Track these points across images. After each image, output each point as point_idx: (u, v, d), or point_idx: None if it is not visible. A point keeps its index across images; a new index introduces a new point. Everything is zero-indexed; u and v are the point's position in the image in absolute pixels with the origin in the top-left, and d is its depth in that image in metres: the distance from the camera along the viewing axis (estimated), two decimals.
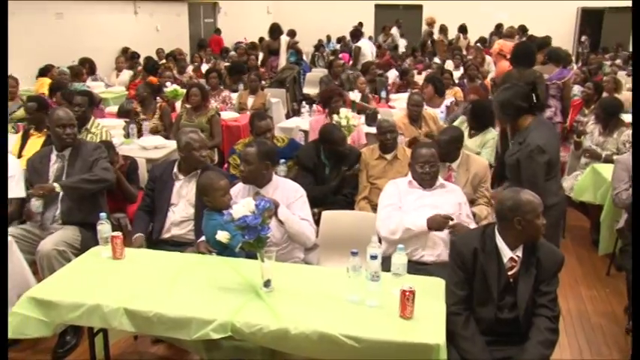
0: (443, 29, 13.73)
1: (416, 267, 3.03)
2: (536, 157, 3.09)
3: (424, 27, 15.92)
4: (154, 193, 3.58)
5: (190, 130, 3.64)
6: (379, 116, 5.94)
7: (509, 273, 2.49)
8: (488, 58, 10.73)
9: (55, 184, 3.48)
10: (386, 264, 2.65)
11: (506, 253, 2.50)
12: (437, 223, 3.13)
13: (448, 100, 6.49)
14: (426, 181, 3.32)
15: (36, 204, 3.46)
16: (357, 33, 11.20)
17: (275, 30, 9.99)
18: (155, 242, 3.45)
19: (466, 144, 4.42)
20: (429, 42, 13.66)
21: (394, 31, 14.10)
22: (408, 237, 3.16)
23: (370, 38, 14.02)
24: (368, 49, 10.66)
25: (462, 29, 13.73)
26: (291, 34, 10.23)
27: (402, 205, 3.31)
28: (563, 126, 5.72)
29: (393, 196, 3.35)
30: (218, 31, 15.01)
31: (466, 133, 4.90)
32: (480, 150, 4.72)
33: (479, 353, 2.40)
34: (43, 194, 3.45)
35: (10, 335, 2.50)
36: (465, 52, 12.25)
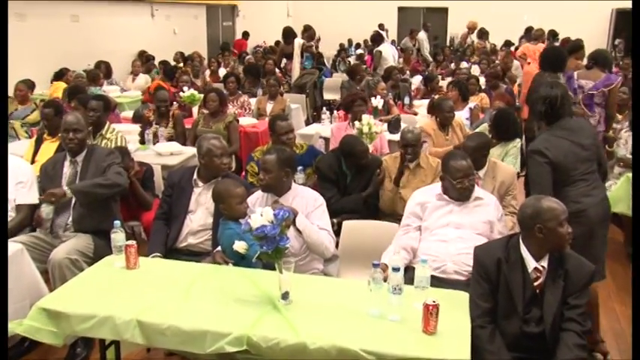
0: (484, 33, 13.47)
1: (440, 280, 3.01)
2: (535, 158, 3.19)
3: (453, 30, 15.91)
4: (171, 199, 3.61)
5: (212, 137, 3.66)
6: (402, 124, 5.93)
7: (535, 284, 2.48)
8: (516, 62, 10.66)
9: (66, 188, 3.52)
10: (408, 277, 2.63)
11: (531, 264, 2.49)
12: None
13: (472, 103, 6.47)
14: (465, 195, 3.22)
15: (46, 210, 3.51)
16: (377, 37, 11.20)
17: (288, 34, 10.05)
18: (170, 251, 3.48)
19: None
20: (465, 46, 13.53)
21: (422, 35, 14.01)
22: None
23: (393, 42, 14.04)
24: (389, 54, 10.66)
25: (483, 34, 13.66)
26: (309, 36, 10.25)
27: (427, 220, 3.24)
28: (604, 134, 5.61)
29: (411, 215, 3.31)
30: (246, 35, 15.11)
31: None
32: (502, 159, 4.68)
33: None
34: (54, 201, 3.48)
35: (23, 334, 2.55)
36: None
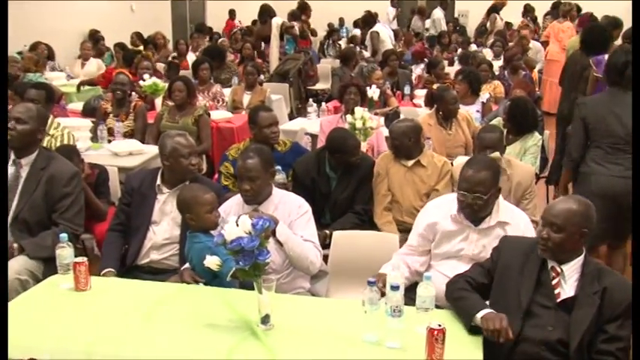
0: (528, 10, 13.29)
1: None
2: (576, 111, 4.11)
3: (460, 7, 16.00)
4: (130, 208, 3.60)
5: (177, 134, 3.67)
6: (402, 116, 5.97)
7: (553, 283, 2.58)
8: (537, 44, 10.73)
9: (15, 247, 3.44)
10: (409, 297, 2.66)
11: (551, 262, 2.63)
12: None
13: (484, 96, 6.52)
14: (468, 213, 3.10)
15: None
16: (369, 19, 11.25)
17: (264, 12, 10.02)
18: (129, 269, 3.48)
19: None
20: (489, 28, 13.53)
21: (439, 13, 13.89)
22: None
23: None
24: (386, 35, 10.72)
25: (495, 9, 13.68)
26: (307, 15, 10.24)
27: (437, 249, 3.18)
28: None
29: (419, 237, 3.23)
30: (232, 14, 15.04)
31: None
32: (520, 159, 4.74)
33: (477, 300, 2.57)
34: None
35: None
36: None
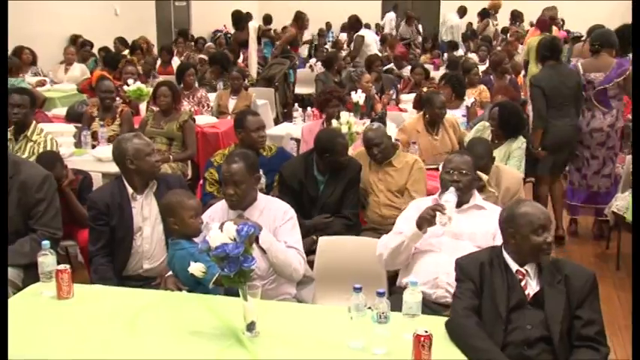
0: (516, 16, 13.30)
1: (432, 307, 3.05)
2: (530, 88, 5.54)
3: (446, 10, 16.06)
4: (109, 226, 3.50)
5: (132, 135, 3.66)
6: (388, 122, 5.98)
7: (522, 284, 2.61)
8: (522, 47, 10.81)
9: None
10: (396, 303, 2.66)
11: (513, 267, 2.65)
12: (425, 218, 3.16)
13: (468, 100, 6.56)
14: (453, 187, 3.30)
15: None
16: (355, 22, 11.28)
17: (239, 19, 10.07)
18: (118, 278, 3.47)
19: None
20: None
21: (455, 18, 13.83)
22: (400, 252, 3.24)
23: (377, 26, 14.13)
24: (372, 40, 10.76)
25: (487, 13, 13.76)
26: (266, 20, 10.29)
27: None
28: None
29: (405, 219, 3.37)
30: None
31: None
32: (505, 162, 4.77)
33: (499, 355, 2.44)
34: None
35: None
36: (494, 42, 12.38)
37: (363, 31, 10.94)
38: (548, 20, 9.20)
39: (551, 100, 5.36)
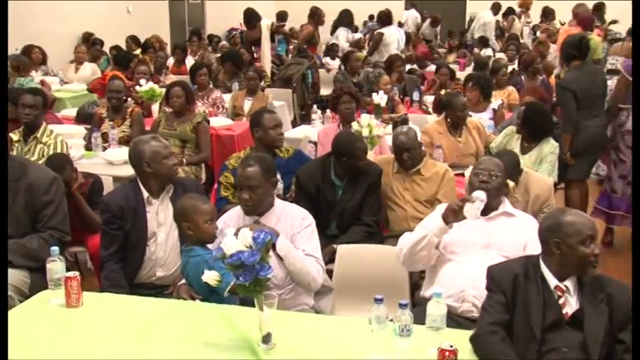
0: (547, 14, 13.00)
1: (457, 320, 3.03)
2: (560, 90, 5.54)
3: (472, 9, 15.99)
4: (122, 231, 3.52)
5: (150, 137, 3.67)
6: (410, 124, 5.96)
7: (560, 302, 2.54)
8: (554, 47, 10.72)
9: None
10: (419, 315, 2.65)
11: (552, 281, 2.57)
12: (452, 209, 3.15)
13: (495, 102, 6.51)
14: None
15: None
16: (385, 17, 11.22)
17: (250, 17, 10.09)
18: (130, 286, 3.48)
19: None
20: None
21: (487, 15, 13.73)
22: (422, 247, 3.21)
23: (399, 24, 14.07)
24: (395, 38, 10.71)
25: (512, 11, 13.64)
26: (280, 17, 10.30)
27: (451, 236, 3.27)
28: None
29: (433, 218, 3.34)
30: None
31: (517, 147, 4.91)
32: (537, 168, 4.73)
33: None
34: None
35: None
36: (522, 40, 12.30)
37: (385, 29, 10.89)
38: (591, 17, 9.01)
39: (583, 102, 5.36)
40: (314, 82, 9.47)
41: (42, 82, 8.15)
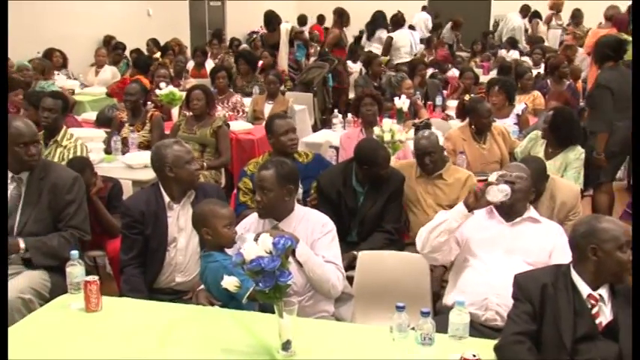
0: (576, 16, 12.60)
1: (480, 330, 3.01)
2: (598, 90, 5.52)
3: (497, 11, 15.90)
4: (143, 235, 3.55)
5: (172, 142, 3.69)
6: (433, 129, 5.95)
7: (593, 312, 2.50)
8: (581, 50, 10.63)
9: (21, 241, 3.48)
10: (442, 323, 2.64)
11: (584, 290, 2.53)
12: (473, 194, 3.14)
13: (519, 107, 6.47)
14: (503, 208, 3.26)
15: None
16: (396, 20, 11.20)
17: (271, 19, 10.13)
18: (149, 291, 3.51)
19: None
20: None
21: (516, 18, 13.48)
22: (440, 231, 3.20)
23: (411, 27, 14.00)
24: (407, 41, 10.67)
25: (536, 14, 13.50)
26: (300, 21, 10.31)
27: (467, 234, 3.28)
28: None
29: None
30: (321, 19, 15.00)
31: (542, 152, 4.88)
32: (562, 174, 4.69)
33: None
34: None
35: None
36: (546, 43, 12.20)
37: (397, 32, 10.87)
38: (627, 18, 8.88)
39: (618, 102, 5.40)
40: (335, 86, 9.48)
41: (71, 92, 8.28)
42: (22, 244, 3.48)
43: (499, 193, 3.07)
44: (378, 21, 11.41)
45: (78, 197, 3.68)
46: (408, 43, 10.67)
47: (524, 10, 13.90)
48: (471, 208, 3.16)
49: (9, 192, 3.63)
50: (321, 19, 15.00)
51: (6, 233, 3.41)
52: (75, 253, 3.07)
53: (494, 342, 2.63)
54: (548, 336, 2.51)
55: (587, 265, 2.54)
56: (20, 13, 9.63)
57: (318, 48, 12.17)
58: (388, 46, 10.60)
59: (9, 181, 3.65)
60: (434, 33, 14.02)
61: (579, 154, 4.83)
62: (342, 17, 10.26)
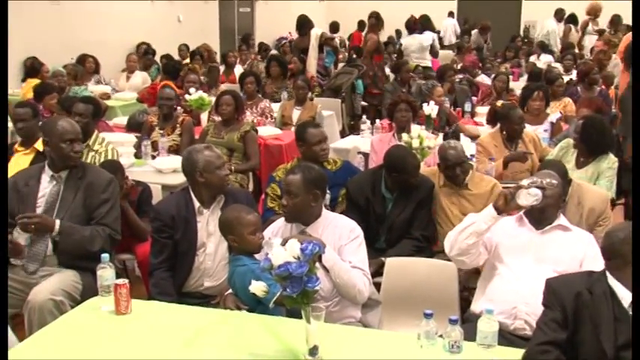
0: (615, 23, 12.19)
1: (510, 338, 2.99)
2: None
3: (527, 17, 15.78)
4: (173, 239, 3.58)
5: (203, 147, 3.72)
6: (462, 137, 5.92)
7: None
8: (614, 56, 10.49)
9: (57, 222, 3.55)
10: (470, 331, 2.62)
11: (626, 297, 2.47)
12: (503, 196, 3.09)
13: (554, 115, 6.40)
14: (533, 215, 3.23)
15: (24, 235, 3.51)
16: (409, 25, 11.16)
17: (303, 24, 10.17)
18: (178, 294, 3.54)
19: (573, 177, 4.32)
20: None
21: (552, 24, 13.37)
22: (469, 233, 3.16)
23: (438, 32, 13.96)
24: (416, 47, 10.66)
25: (572, 19, 13.32)
26: (332, 27, 10.33)
27: (495, 238, 3.26)
28: None
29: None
30: (361, 26, 15.04)
31: (573, 161, 4.82)
32: (594, 182, 4.63)
33: None
34: (34, 229, 3.51)
35: None
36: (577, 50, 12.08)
37: (407, 37, 10.85)
38: None
39: None
40: (374, 92, 9.46)
41: (107, 96, 8.41)
42: (57, 226, 3.55)
43: (530, 196, 3.01)
44: (427, 26, 11.45)
45: (112, 197, 3.77)
46: (417, 48, 10.67)
47: (559, 14, 13.65)
48: (500, 211, 3.13)
49: (49, 189, 3.74)
50: (361, 25, 15.03)
51: (6, 233, 3.46)
52: (106, 256, 3.11)
53: (523, 351, 2.61)
54: (587, 344, 2.46)
55: (629, 270, 2.47)
56: (55, 21, 9.83)
57: (346, 54, 12.21)
58: (400, 53, 10.57)
59: (49, 179, 3.76)
60: (463, 38, 13.97)
61: (612, 163, 4.75)
62: (378, 21, 10.27)
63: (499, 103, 6.83)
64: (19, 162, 4.76)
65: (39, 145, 4.46)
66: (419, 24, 11.05)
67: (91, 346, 2.73)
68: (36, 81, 8.19)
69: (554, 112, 6.55)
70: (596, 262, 2.97)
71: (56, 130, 3.71)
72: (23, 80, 8.80)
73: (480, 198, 4.20)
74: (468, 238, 3.20)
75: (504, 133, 5.34)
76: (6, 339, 2.62)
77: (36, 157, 4.66)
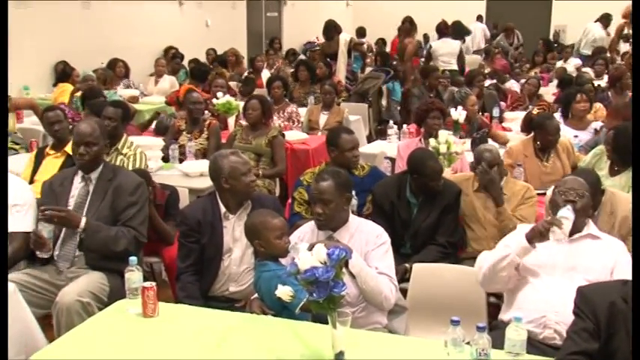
0: None
1: (539, 347, 2.96)
2: None
3: (557, 21, 15.64)
4: (199, 244, 3.61)
5: (229, 152, 3.73)
6: (490, 141, 5.88)
7: None
8: None
9: (83, 219, 3.59)
10: (498, 339, 2.60)
11: None
12: (538, 230, 3.05)
13: (596, 123, 6.29)
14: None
15: (47, 228, 3.50)
16: (440, 29, 11.11)
17: (330, 29, 10.19)
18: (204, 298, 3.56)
19: (606, 185, 4.26)
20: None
21: (599, 31, 12.85)
22: (503, 267, 3.12)
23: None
24: (446, 51, 10.61)
25: (605, 19, 13.04)
26: (359, 33, 10.34)
27: (530, 256, 3.19)
28: None
29: (511, 239, 3.27)
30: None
31: (606, 168, 4.75)
32: (628, 191, 4.56)
33: None
34: (60, 221, 3.55)
35: None
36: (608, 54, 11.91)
37: (437, 41, 10.81)
38: None
39: None
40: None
41: (135, 99, 8.51)
42: (82, 223, 3.58)
43: (563, 235, 3.00)
44: (460, 32, 11.41)
45: (140, 200, 3.80)
46: (446, 52, 10.63)
47: (605, 20, 13.03)
48: (533, 244, 3.09)
49: (78, 190, 3.80)
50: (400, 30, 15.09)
51: (6, 233, 3.51)
52: (134, 259, 3.14)
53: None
54: (622, 354, 2.42)
55: None
56: (86, 26, 9.97)
57: (374, 58, 12.18)
58: (429, 55, 10.61)
59: (80, 180, 3.82)
60: (492, 43, 13.89)
61: None
62: (412, 25, 10.27)
63: (535, 111, 6.74)
64: (49, 165, 4.85)
65: (69, 149, 4.52)
66: (450, 29, 11.03)
67: (119, 349, 2.76)
68: (67, 85, 8.35)
69: (594, 120, 6.46)
70: (628, 270, 2.93)
71: (74, 132, 3.87)
72: (54, 85, 8.93)
73: (510, 203, 4.20)
74: (501, 271, 3.16)
75: (538, 143, 5.23)
76: (6, 338, 2.64)
77: (66, 160, 4.74)
